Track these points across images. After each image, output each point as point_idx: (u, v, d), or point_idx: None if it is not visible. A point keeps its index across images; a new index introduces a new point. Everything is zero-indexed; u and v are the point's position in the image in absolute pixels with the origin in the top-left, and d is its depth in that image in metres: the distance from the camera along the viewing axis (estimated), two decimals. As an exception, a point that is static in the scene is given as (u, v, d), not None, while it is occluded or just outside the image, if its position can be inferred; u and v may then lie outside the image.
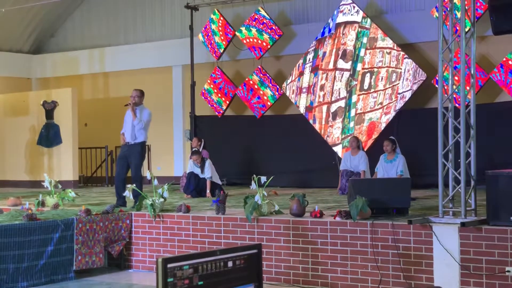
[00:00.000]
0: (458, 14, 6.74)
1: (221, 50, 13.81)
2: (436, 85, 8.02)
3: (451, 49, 6.70)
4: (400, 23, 12.36)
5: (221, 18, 13.75)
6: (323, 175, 12.33)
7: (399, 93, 11.87)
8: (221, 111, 14.01)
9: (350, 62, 12.41)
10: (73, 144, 14.58)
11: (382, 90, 12.05)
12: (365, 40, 12.25)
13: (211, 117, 14.24)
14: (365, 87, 12.24)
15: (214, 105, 14.03)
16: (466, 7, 6.64)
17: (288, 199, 7.77)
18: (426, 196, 9.52)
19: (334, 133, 12.52)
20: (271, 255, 7.19)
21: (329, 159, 12.19)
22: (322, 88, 12.70)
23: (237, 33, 13.58)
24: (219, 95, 13.94)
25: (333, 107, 12.56)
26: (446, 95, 6.73)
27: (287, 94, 13.18)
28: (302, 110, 12.96)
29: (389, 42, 12.00)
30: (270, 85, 13.28)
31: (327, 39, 12.67)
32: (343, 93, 12.45)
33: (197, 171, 10.79)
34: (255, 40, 13.35)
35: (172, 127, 15.18)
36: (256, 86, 13.43)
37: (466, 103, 6.56)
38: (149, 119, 9.05)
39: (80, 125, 15.18)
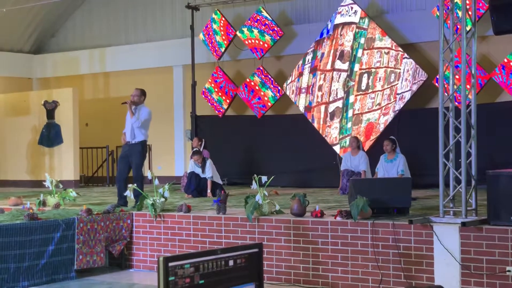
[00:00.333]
0: (459, 14, 6.73)
1: (222, 49, 13.82)
2: (436, 84, 8.03)
3: (452, 48, 6.70)
4: (401, 22, 12.36)
5: (223, 19, 13.76)
6: (324, 175, 12.34)
7: (398, 94, 11.86)
8: (221, 110, 14.02)
9: (347, 63, 12.42)
10: (74, 144, 14.60)
11: (380, 90, 12.05)
12: (362, 40, 12.26)
13: (212, 117, 14.25)
14: (363, 88, 12.24)
15: (215, 104, 14.04)
16: (467, 7, 6.65)
17: (289, 199, 7.77)
18: (426, 196, 9.53)
19: (332, 133, 12.53)
20: (272, 254, 7.19)
21: (330, 159, 12.19)
22: (320, 88, 12.72)
23: (238, 33, 13.59)
24: (220, 94, 13.96)
25: (331, 107, 12.57)
26: (447, 95, 6.74)
27: (288, 94, 13.18)
28: (301, 110, 12.97)
29: (387, 42, 12.00)
30: (272, 86, 13.29)
31: (325, 40, 12.70)
32: (341, 94, 12.46)
33: (198, 171, 10.80)
34: (256, 41, 13.36)
35: (173, 127, 15.18)
36: (257, 88, 13.44)
37: (467, 102, 6.56)
38: (147, 118, 9.00)
39: (81, 125, 15.21)
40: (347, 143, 11.99)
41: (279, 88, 13.21)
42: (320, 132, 12.67)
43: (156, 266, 8.00)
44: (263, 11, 13.27)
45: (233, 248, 2.84)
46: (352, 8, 12.40)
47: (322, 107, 12.68)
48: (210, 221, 7.74)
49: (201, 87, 14.12)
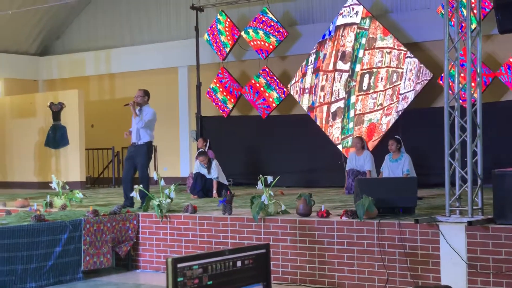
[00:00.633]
0: (464, 12, 6.73)
1: (227, 50, 13.85)
2: (441, 83, 8.03)
3: (457, 47, 6.69)
4: (406, 22, 12.35)
5: (228, 20, 13.78)
6: (329, 175, 12.34)
7: (401, 94, 11.84)
8: (225, 109, 14.03)
9: (348, 63, 12.43)
10: (80, 145, 14.64)
11: (382, 90, 12.04)
12: (363, 41, 12.26)
13: (217, 118, 14.27)
14: (364, 88, 12.24)
15: (219, 104, 14.06)
16: (472, 5, 6.64)
17: (294, 199, 7.78)
18: (432, 195, 9.52)
19: (334, 133, 12.55)
20: (278, 255, 7.20)
21: (335, 159, 12.20)
22: (322, 88, 12.74)
23: (243, 34, 13.60)
24: (225, 93, 13.98)
25: (333, 107, 12.58)
26: (452, 94, 6.73)
27: (292, 94, 13.19)
28: (305, 110, 12.98)
29: (389, 42, 11.98)
30: (277, 87, 13.30)
31: (327, 42, 12.73)
32: (342, 94, 12.47)
33: (204, 171, 10.82)
34: (261, 42, 13.38)
35: (178, 127, 15.21)
36: (262, 89, 13.46)
37: (473, 100, 6.55)
38: (151, 119, 9.01)
39: (87, 126, 15.25)
40: (349, 143, 12.00)
41: (284, 89, 13.22)
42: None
43: (162, 266, 8.04)
44: (268, 12, 13.28)
45: (241, 249, 2.85)
46: (353, 8, 12.41)
47: (325, 107, 12.69)
48: (216, 221, 7.75)
49: (206, 88, 14.14)
